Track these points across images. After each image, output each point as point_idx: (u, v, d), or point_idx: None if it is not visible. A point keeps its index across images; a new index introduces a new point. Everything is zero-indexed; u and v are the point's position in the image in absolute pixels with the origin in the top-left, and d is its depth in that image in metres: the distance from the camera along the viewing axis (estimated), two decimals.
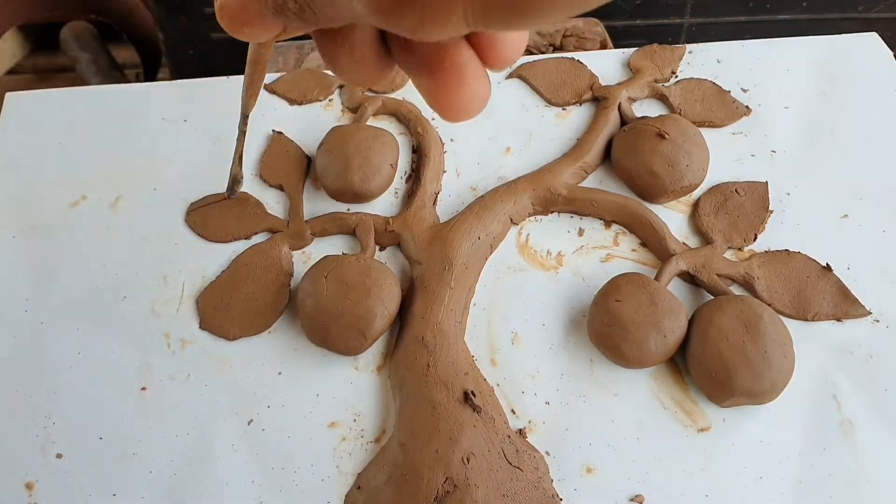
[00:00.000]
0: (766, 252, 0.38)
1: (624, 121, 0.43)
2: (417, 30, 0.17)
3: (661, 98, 0.44)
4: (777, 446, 0.32)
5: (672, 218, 0.39)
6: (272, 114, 0.44)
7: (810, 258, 0.37)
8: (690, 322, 0.34)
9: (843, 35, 0.47)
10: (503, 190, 0.40)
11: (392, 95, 0.45)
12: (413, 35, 0.17)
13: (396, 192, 0.41)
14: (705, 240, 0.38)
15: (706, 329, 0.33)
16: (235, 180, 0.38)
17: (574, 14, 0.16)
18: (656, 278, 0.36)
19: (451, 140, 0.43)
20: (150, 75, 0.89)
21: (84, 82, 0.86)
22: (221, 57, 0.75)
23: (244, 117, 0.34)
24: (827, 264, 0.37)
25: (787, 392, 0.33)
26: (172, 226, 0.40)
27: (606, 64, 0.46)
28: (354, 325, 0.34)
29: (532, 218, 0.40)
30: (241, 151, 0.36)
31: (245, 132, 0.35)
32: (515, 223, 0.39)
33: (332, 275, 0.35)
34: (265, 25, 0.20)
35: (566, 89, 0.45)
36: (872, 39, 0.46)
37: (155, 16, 0.73)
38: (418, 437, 0.32)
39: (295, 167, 0.42)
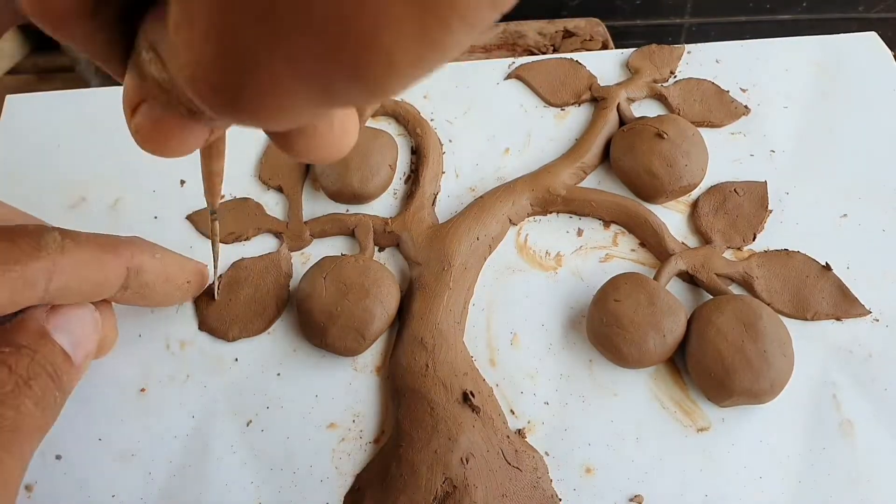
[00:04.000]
0: (765, 252, 0.38)
1: (623, 121, 0.43)
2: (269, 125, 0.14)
3: (660, 98, 0.44)
4: (777, 446, 0.32)
5: (671, 218, 0.39)
6: None
7: (809, 258, 0.37)
8: (689, 322, 0.34)
9: (843, 35, 0.46)
10: (502, 190, 0.40)
11: None
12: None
13: (395, 193, 0.41)
14: (704, 239, 0.38)
15: (705, 329, 0.33)
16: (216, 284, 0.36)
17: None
18: (655, 278, 0.36)
19: (450, 141, 0.43)
20: None
21: (84, 82, 0.86)
22: None
23: (212, 213, 0.31)
24: (826, 263, 0.37)
25: (787, 392, 0.32)
26: (172, 227, 0.40)
27: (605, 64, 0.46)
28: (353, 325, 0.34)
29: (531, 218, 0.40)
30: (217, 250, 0.34)
31: (216, 221, 0.33)
32: (514, 223, 0.39)
33: (330, 275, 0.35)
34: (190, 133, 0.18)
35: (565, 90, 0.45)
36: (872, 39, 0.46)
37: None
38: (417, 437, 0.32)
39: (294, 168, 0.42)
